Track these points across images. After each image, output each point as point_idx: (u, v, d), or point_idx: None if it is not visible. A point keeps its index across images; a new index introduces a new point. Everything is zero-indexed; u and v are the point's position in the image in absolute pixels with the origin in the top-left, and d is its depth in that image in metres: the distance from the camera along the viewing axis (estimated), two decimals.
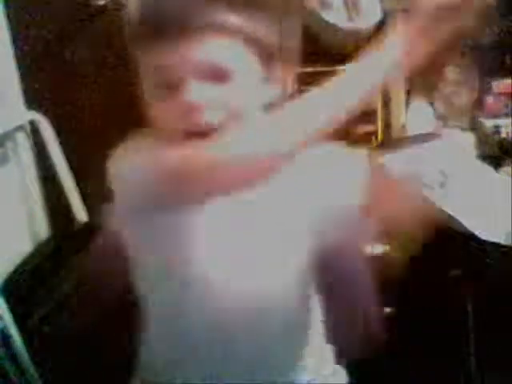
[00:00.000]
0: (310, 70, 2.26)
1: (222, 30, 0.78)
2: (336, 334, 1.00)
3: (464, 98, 2.27)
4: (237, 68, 0.80)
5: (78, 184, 1.93)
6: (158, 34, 0.78)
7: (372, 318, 1.09)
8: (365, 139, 2.53)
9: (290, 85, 0.88)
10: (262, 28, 0.81)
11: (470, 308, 1.44)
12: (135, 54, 0.85)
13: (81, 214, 1.93)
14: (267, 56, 0.83)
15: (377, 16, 2.28)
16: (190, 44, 0.78)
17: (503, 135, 2.09)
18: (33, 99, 1.93)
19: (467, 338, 1.46)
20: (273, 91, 0.87)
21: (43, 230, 2.00)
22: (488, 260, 1.43)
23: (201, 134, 0.79)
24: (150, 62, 0.82)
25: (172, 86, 0.80)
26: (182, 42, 0.78)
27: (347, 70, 0.81)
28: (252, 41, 0.81)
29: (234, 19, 0.78)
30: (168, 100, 0.81)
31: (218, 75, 0.79)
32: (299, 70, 0.89)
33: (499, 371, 1.42)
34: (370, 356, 1.08)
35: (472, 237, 1.42)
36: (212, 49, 0.79)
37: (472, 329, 1.45)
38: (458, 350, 1.48)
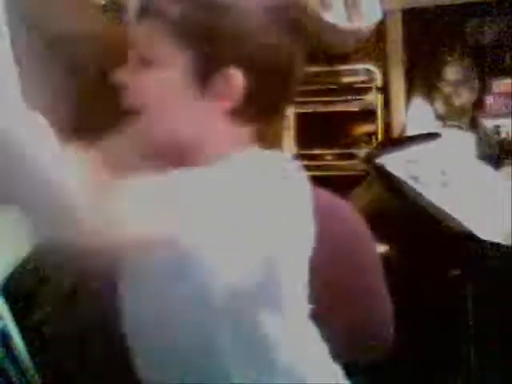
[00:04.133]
0: (309, 70, 2.27)
1: (158, 14, 0.76)
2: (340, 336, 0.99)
3: (464, 97, 2.27)
4: (159, 60, 0.78)
5: None
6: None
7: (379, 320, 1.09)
8: (365, 139, 2.54)
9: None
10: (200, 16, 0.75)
11: (470, 308, 1.44)
12: None
13: None
14: (212, 62, 0.76)
15: (377, 16, 2.28)
16: (136, 25, 0.79)
17: (503, 135, 2.09)
18: (33, 99, 1.93)
19: (467, 338, 1.46)
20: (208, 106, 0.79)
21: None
22: (488, 260, 1.43)
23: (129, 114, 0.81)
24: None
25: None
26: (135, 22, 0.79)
27: None
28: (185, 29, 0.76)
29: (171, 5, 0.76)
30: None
31: (142, 62, 0.79)
32: None
33: (499, 371, 1.42)
34: (373, 357, 1.08)
35: (472, 237, 1.42)
36: (145, 34, 0.78)
37: (472, 329, 1.44)
38: (458, 349, 1.48)
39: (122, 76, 0.83)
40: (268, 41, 0.76)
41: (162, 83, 0.78)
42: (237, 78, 0.75)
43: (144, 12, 0.79)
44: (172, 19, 0.76)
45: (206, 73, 0.76)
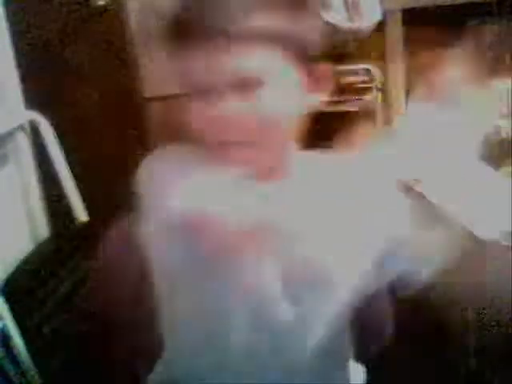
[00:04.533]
0: None
1: (261, 36, 0.73)
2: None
3: None
4: (272, 78, 0.76)
5: (77, 184, 1.93)
6: (193, 37, 0.73)
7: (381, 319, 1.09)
8: (365, 139, 2.54)
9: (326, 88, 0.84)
10: (299, 29, 0.78)
11: (469, 308, 1.43)
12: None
13: (81, 214, 1.93)
14: (304, 60, 0.79)
15: (377, 16, 2.28)
16: (225, 51, 0.73)
17: (503, 135, 2.09)
18: (33, 99, 1.93)
19: (467, 338, 1.46)
20: (310, 97, 0.83)
21: (43, 229, 2.00)
22: (488, 260, 1.43)
23: (236, 144, 0.76)
24: (181, 69, 0.77)
25: (204, 96, 0.76)
26: (217, 48, 0.73)
27: None
28: (290, 44, 0.76)
29: (272, 21, 0.74)
30: (200, 110, 0.77)
31: (252, 84, 0.75)
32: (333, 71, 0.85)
33: (499, 371, 1.42)
34: (374, 356, 1.08)
35: (472, 236, 1.42)
36: (249, 57, 0.74)
37: (472, 329, 1.44)
38: (458, 349, 1.48)
39: (230, 107, 0.75)
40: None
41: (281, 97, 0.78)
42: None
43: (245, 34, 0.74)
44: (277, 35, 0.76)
45: (306, 78, 0.80)
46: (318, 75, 0.82)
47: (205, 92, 0.76)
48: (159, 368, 0.97)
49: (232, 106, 0.75)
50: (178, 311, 0.87)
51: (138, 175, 0.85)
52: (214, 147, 0.78)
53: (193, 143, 0.81)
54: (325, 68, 0.83)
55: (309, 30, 0.79)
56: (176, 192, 0.74)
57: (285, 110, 0.79)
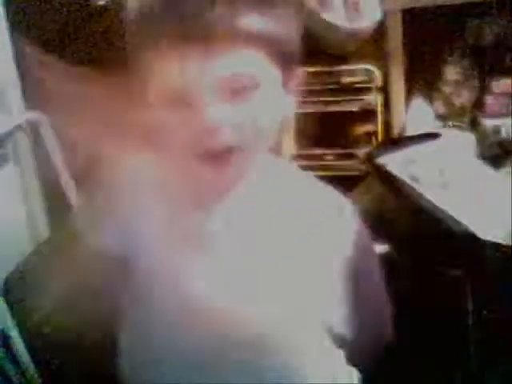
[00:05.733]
0: (310, 70, 2.26)
1: (247, 38, 0.70)
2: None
3: (464, 98, 2.27)
4: (261, 81, 0.73)
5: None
6: (176, 42, 0.69)
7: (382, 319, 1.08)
8: (365, 139, 2.54)
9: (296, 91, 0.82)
10: (283, 31, 0.75)
11: (470, 308, 1.43)
12: (143, 62, 0.74)
13: None
14: (288, 63, 0.77)
15: (377, 16, 2.28)
16: (211, 55, 0.69)
17: (503, 135, 2.09)
18: (33, 99, 1.93)
19: (467, 338, 1.46)
20: (290, 101, 0.81)
21: (43, 230, 2.00)
22: (488, 260, 1.43)
23: (217, 156, 0.73)
24: (162, 76, 0.72)
25: (186, 105, 0.71)
26: (202, 53, 0.68)
27: None
28: (275, 47, 0.73)
29: (258, 22, 0.71)
30: (180, 120, 0.72)
31: (240, 91, 0.72)
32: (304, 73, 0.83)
33: (499, 371, 1.42)
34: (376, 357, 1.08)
35: (472, 237, 1.42)
36: (235, 61, 0.70)
37: (472, 329, 1.44)
38: (458, 350, 1.48)
39: (218, 114, 0.71)
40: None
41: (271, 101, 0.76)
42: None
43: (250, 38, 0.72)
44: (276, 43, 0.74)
45: (286, 79, 0.78)
46: (294, 77, 0.80)
47: (190, 99, 0.71)
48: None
49: (222, 110, 0.71)
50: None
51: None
52: (189, 160, 0.75)
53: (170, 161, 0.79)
54: (299, 70, 0.82)
55: (288, 30, 0.76)
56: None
57: (275, 112, 0.78)
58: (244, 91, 0.72)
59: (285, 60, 0.76)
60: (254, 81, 0.73)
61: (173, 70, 0.70)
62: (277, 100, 0.77)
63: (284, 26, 0.75)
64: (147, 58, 0.73)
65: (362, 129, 2.53)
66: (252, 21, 0.71)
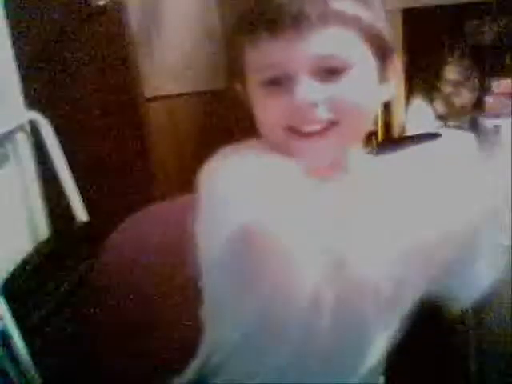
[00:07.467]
0: None
1: (340, 19, 0.72)
2: None
3: (464, 97, 2.27)
4: (354, 62, 0.75)
5: (77, 184, 1.93)
6: (271, 25, 0.72)
7: None
8: (365, 139, 2.53)
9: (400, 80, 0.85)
10: (378, 19, 0.77)
11: (469, 308, 1.43)
12: (236, 48, 0.78)
13: (81, 213, 1.93)
14: (382, 51, 0.78)
15: None
16: (305, 36, 0.71)
17: (503, 135, 2.08)
18: (33, 99, 1.93)
19: (467, 339, 1.46)
20: (388, 89, 0.83)
21: (43, 229, 2.00)
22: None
23: (311, 134, 0.75)
24: (258, 57, 0.75)
25: (281, 84, 0.74)
26: (296, 33, 0.71)
27: None
28: (369, 33, 0.75)
29: (352, 8, 0.73)
30: (276, 99, 0.75)
31: (333, 70, 0.74)
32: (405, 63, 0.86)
33: (499, 371, 1.42)
34: None
35: None
36: (329, 41, 0.73)
37: (472, 329, 1.44)
38: (458, 350, 1.48)
39: (313, 94, 0.73)
40: None
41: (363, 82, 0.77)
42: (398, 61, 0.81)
43: (332, 19, 0.73)
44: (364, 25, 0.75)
45: (382, 64, 0.79)
46: (389, 64, 0.81)
47: (285, 80, 0.74)
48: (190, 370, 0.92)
49: (315, 90, 0.73)
50: (228, 322, 0.82)
51: (199, 180, 0.77)
52: (281, 140, 0.76)
53: (254, 140, 0.79)
54: (395, 58, 0.82)
55: (379, 18, 0.78)
56: (240, 205, 0.69)
57: (368, 95, 0.78)
58: (337, 71, 0.74)
59: (379, 48, 0.77)
60: (348, 62, 0.74)
61: (267, 50, 0.73)
62: (371, 84, 0.78)
63: (375, 14, 0.77)
64: (243, 43, 0.76)
65: None
66: (346, 4, 0.73)
